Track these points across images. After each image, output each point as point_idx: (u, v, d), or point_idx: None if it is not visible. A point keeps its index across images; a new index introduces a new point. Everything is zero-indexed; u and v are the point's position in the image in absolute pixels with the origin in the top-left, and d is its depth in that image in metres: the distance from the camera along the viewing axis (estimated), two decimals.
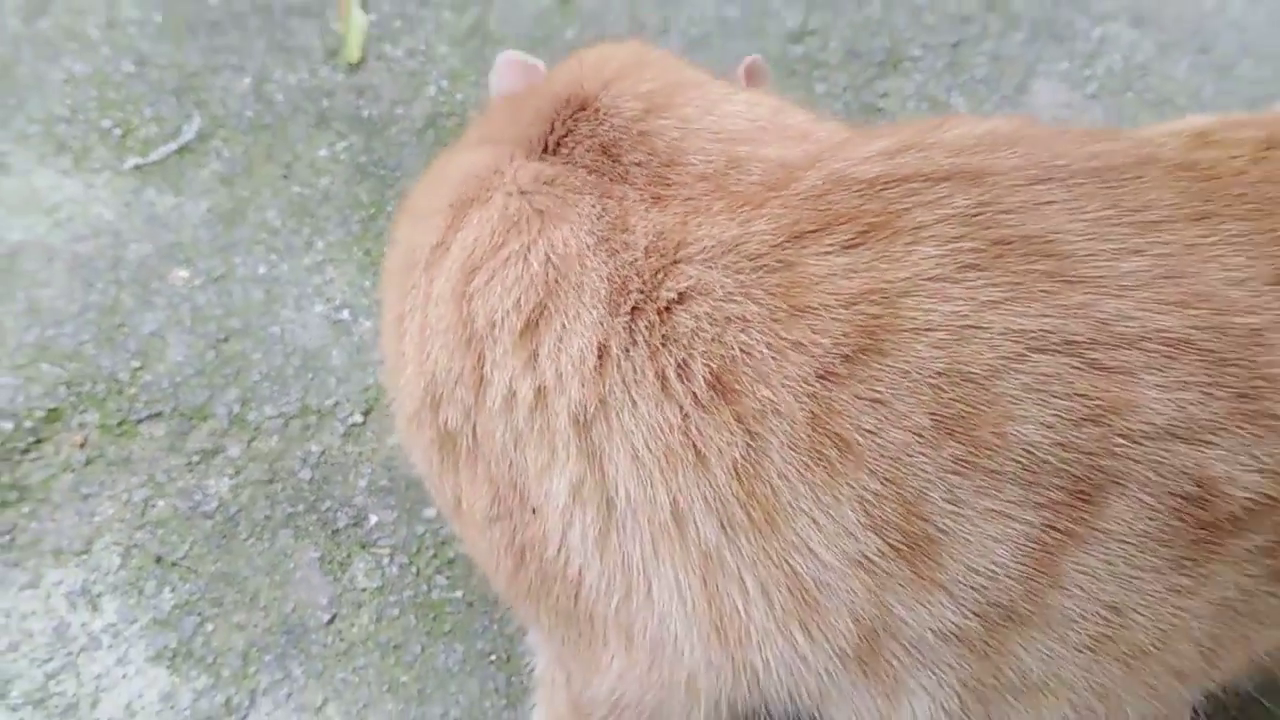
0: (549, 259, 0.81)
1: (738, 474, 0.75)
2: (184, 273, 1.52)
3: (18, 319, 1.47)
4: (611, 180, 0.86)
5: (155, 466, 1.40)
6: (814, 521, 0.73)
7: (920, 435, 0.70)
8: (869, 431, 0.71)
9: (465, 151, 0.96)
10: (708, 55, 1.74)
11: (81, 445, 1.40)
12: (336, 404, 1.45)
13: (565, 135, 0.90)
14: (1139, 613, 0.76)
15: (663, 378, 0.76)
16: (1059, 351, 0.69)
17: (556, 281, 0.81)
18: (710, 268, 0.76)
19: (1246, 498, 0.72)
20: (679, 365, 0.76)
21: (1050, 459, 0.70)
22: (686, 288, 0.76)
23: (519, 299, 0.81)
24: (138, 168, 1.59)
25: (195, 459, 1.41)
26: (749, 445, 0.74)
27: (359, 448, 1.42)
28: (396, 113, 1.66)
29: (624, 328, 0.78)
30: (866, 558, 0.73)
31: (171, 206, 1.57)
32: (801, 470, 0.73)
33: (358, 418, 1.44)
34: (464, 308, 0.84)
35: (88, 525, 1.36)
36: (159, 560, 1.34)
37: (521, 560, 0.88)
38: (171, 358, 1.46)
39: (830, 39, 1.76)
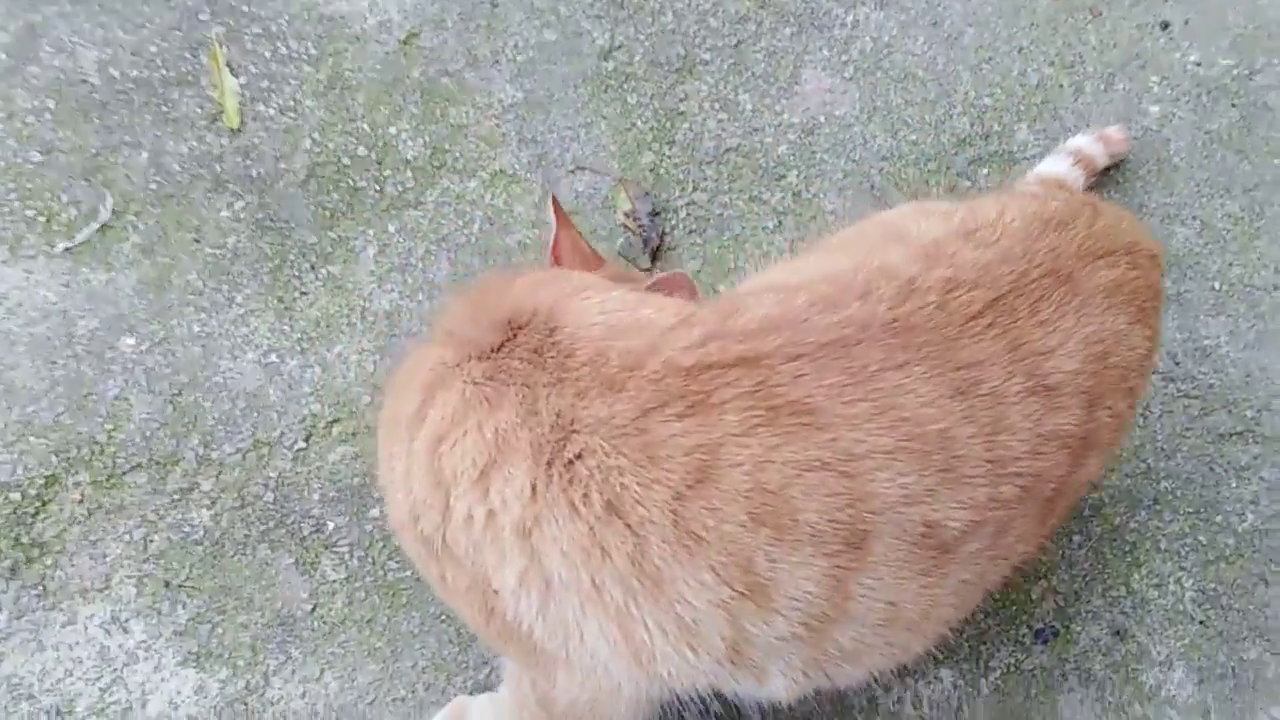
0: (496, 431, 1.17)
1: (632, 560, 1.14)
2: (130, 340, 1.82)
3: None
4: (533, 368, 1.21)
5: (145, 508, 1.74)
6: (686, 583, 1.14)
7: (743, 526, 1.11)
8: (710, 527, 1.11)
9: (435, 346, 1.30)
10: (535, 79, 2.06)
11: (80, 501, 1.73)
12: (281, 434, 1.80)
13: (505, 342, 1.24)
14: (908, 603, 1.20)
15: (573, 505, 1.14)
16: (820, 469, 1.10)
17: (499, 446, 1.17)
18: (592, 435, 1.14)
19: (958, 526, 1.16)
20: (582, 497, 1.13)
21: (827, 529, 1.11)
22: (580, 450, 1.13)
23: (475, 458, 1.18)
24: (68, 250, 1.86)
25: (176, 497, 1.75)
26: (636, 543, 1.13)
27: (307, 468, 1.79)
28: (280, 168, 1.95)
29: (544, 474, 1.15)
30: (723, 600, 1.14)
31: (105, 281, 1.85)
32: (673, 554, 1.13)
33: (301, 444, 1.80)
34: (435, 462, 1.21)
35: (102, 565, 1.70)
36: (167, 585, 1.70)
37: (489, 617, 1.27)
38: (137, 416, 1.78)
39: (635, 52, 2.09)
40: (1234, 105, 2.17)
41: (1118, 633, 1.86)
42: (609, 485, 1.13)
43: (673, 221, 2.01)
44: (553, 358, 1.19)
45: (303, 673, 1.68)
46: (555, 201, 1.59)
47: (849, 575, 1.15)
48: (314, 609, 1.71)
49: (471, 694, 1.67)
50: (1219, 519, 1.92)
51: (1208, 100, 2.17)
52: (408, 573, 1.74)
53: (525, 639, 1.24)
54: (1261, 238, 2.09)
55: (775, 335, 1.16)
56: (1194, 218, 2.10)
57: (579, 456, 1.13)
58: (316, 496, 1.77)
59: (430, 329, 1.42)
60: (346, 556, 1.75)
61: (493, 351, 1.22)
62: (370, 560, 1.74)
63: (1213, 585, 1.89)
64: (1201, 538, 1.91)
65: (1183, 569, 1.89)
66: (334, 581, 1.73)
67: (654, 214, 2.00)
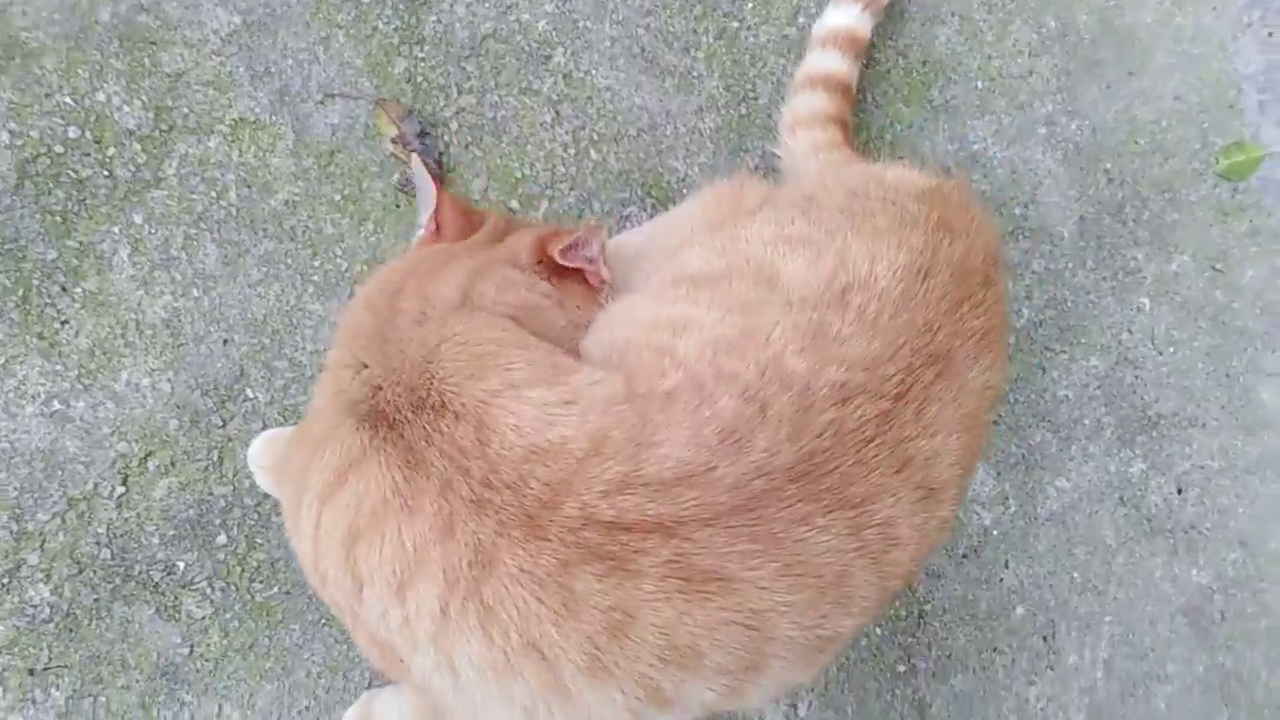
0: (414, 545, 1.17)
1: (544, 682, 1.19)
2: None
3: None
4: (454, 471, 1.19)
5: None
6: (595, 699, 1.20)
7: (652, 665, 1.17)
8: (622, 665, 1.16)
9: (339, 412, 1.28)
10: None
11: None
12: (95, 485, 1.68)
13: (423, 412, 1.22)
14: (798, 675, 1.31)
15: (489, 635, 1.17)
16: (728, 625, 1.16)
17: (416, 560, 1.17)
18: (515, 584, 1.14)
19: (848, 629, 1.27)
20: (501, 633, 1.16)
21: (729, 664, 1.19)
22: (500, 596, 1.15)
23: (394, 568, 1.18)
24: None
25: (4, 580, 1.64)
26: (550, 671, 1.18)
27: (134, 512, 1.69)
28: None
29: (460, 602, 1.16)
30: (629, 707, 1.21)
31: None
32: (585, 681, 1.18)
33: (120, 489, 1.69)
34: (351, 556, 1.21)
35: None
36: (31, 672, 1.64)
37: (390, 665, 1.31)
38: None
39: None
40: None
41: None
42: (528, 629, 1.16)
43: (446, 137, 1.85)
44: (478, 467, 1.19)
45: (201, 714, 1.70)
46: (420, 164, 1.51)
47: (746, 684, 1.25)
48: (191, 651, 1.70)
49: (370, 686, 1.74)
50: None
51: None
52: (274, 589, 1.73)
53: (428, 693, 1.31)
54: (1014, 21, 2.11)
55: (688, 492, 1.17)
56: (952, 14, 2.09)
57: (497, 601, 1.16)
58: (156, 539, 1.70)
59: (336, 346, 1.39)
60: (208, 590, 1.71)
61: (410, 417, 1.23)
62: (233, 587, 1.72)
63: None
64: None
65: None
66: (203, 619, 1.71)
67: (423, 134, 1.83)
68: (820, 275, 1.34)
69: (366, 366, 1.34)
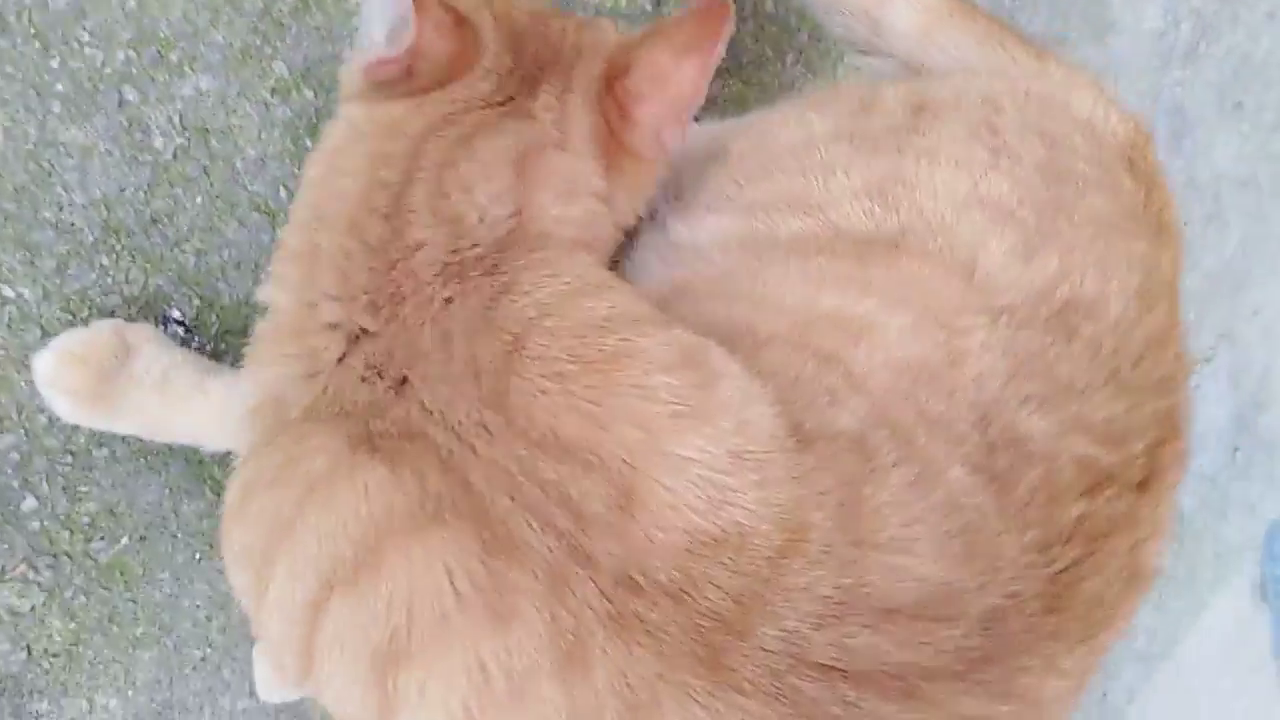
0: (507, 671, 0.74)
1: None
2: None
3: None
4: (568, 556, 0.75)
5: None
6: None
7: None
8: None
9: (341, 427, 0.80)
10: None
11: None
12: None
13: (476, 450, 0.77)
14: None
15: None
16: None
17: (512, 695, 0.74)
18: None
19: None
20: None
21: None
22: None
23: (466, 705, 0.74)
24: None
25: None
26: None
27: None
28: None
29: None
30: None
31: None
32: None
33: None
34: (389, 680, 0.76)
35: None
36: None
37: None
38: None
39: None
40: None
41: None
42: None
43: None
44: (612, 555, 0.76)
45: (67, 717, 1.23)
46: None
47: None
48: (30, 652, 1.19)
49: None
50: None
51: None
52: (124, 539, 1.21)
53: None
54: None
55: (939, 630, 0.80)
56: None
57: None
58: None
59: (282, 278, 0.91)
60: (29, 574, 1.16)
61: (478, 448, 0.78)
62: (65, 557, 1.18)
63: None
64: None
65: None
66: (33, 610, 1.18)
67: None
68: (1035, 277, 0.91)
69: (367, 333, 0.83)
